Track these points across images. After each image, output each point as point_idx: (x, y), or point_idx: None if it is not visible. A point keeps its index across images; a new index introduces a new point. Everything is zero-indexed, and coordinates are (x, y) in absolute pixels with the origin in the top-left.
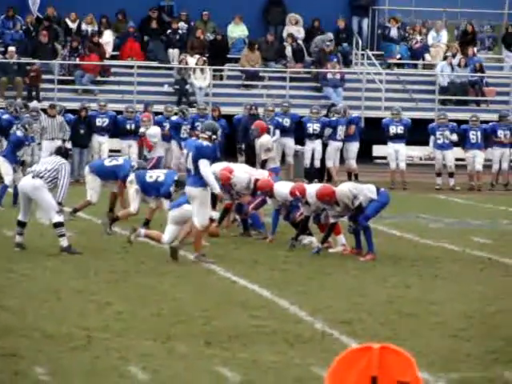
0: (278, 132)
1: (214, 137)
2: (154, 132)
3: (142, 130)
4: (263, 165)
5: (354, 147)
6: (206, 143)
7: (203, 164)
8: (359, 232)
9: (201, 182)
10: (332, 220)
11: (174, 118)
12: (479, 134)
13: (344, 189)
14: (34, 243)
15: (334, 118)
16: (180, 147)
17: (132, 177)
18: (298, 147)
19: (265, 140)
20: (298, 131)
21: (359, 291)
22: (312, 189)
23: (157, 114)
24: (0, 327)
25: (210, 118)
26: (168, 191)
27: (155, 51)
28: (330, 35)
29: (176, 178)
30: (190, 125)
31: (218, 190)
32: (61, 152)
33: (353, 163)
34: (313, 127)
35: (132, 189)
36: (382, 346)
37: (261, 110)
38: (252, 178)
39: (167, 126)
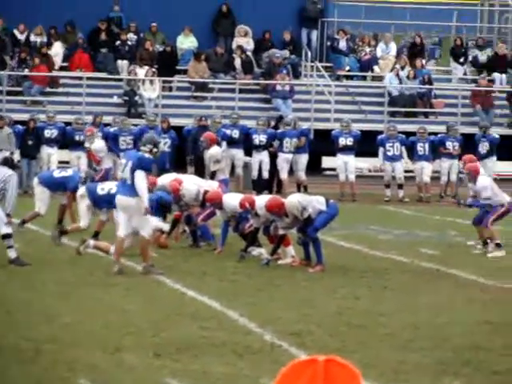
0: (224, 143)
1: (155, 150)
2: (99, 146)
3: (86, 144)
4: (212, 176)
5: (303, 159)
6: (146, 155)
7: (139, 175)
8: (308, 243)
9: (137, 192)
10: (281, 231)
11: (112, 129)
12: (427, 145)
13: (293, 200)
14: None
15: (279, 130)
16: (118, 157)
17: (82, 190)
18: (247, 159)
19: (214, 151)
20: (248, 143)
21: (308, 303)
22: (261, 200)
23: (106, 125)
24: None
25: (159, 129)
26: None
27: (104, 62)
28: (287, 52)
29: None
30: (138, 136)
31: (146, 203)
32: (7, 163)
33: (302, 175)
34: (259, 138)
35: (83, 204)
36: (327, 358)
37: (209, 122)
38: (201, 190)
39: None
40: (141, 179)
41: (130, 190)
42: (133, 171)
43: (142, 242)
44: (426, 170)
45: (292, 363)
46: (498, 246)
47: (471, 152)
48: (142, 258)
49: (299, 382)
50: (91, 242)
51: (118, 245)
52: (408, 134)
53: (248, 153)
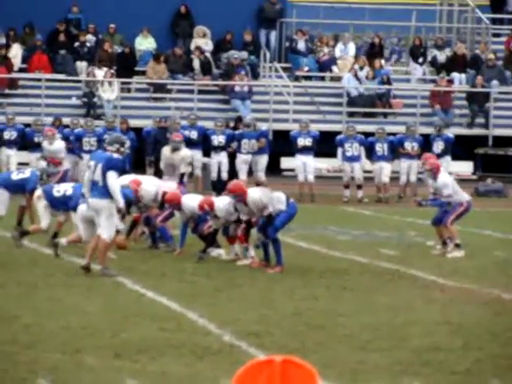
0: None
1: (122, 149)
2: (58, 147)
3: (45, 144)
4: (182, 178)
5: (263, 160)
6: (115, 155)
7: (111, 176)
8: (268, 244)
9: (108, 193)
10: (245, 218)
11: (76, 130)
12: (385, 146)
13: (255, 196)
14: None
15: (238, 131)
16: (80, 158)
17: (39, 192)
18: (206, 160)
19: (187, 153)
20: (206, 144)
21: (267, 303)
22: (221, 202)
23: (66, 126)
24: None
25: (118, 130)
26: (77, 205)
27: (63, 64)
28: (245, 53)
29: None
30: (99, 137)
31: (122, 203)
32: None
33: (262, 175)
34: (218, 139)
35: (41, 205)
36: (284, 358)
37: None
38: (160, 191)
39: (72, 139)
40: (113, 180)
41: (101, 191)
42: (104, 173)
43: (102, 244)
44: (384, 170)
45: (249, 364)
46: (458, 246)
47: (428, 152)
48: (99, 260)
49: (256, 383)
50: (63, 240)
51: (89, 245)
52: (367, 134)
53: (206, 154)
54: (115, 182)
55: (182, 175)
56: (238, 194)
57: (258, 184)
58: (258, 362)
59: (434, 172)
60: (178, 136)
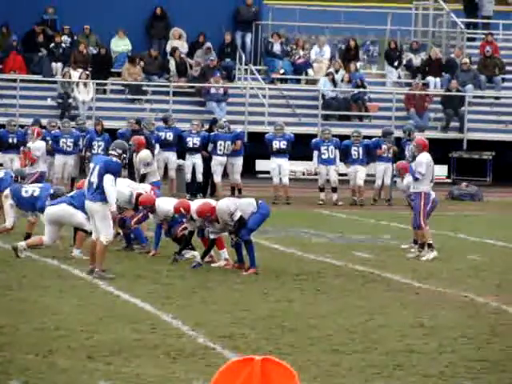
0: (157, 146)
1: (124, 155)
2: (38, 145)
3: (29, 144)
4: (142, 179)
5: (238, 162)
6: (115, 159)
7: (108, 179)
8: (241, 246)
9: (101, 196)
10: (212, 236)
11: (53, 131)
12: (361, 149)
13: (222, 205)
14: None
15: (213, 133)
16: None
17: (7, 191)
18: (180, 161)
19: (144, 154)
20: (181, 145)
21: (242, 305)
22: (196, 205)
23: (43, 128)
24: None
25: (92, 132)
26: (43, 206)
27: (39, 65)
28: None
29: (51, 191)
30: (76, 139)
31: (114, 208)
32: None
33: (238, 178)
34: (193, 141)
35: (7, 204)
36: (263, 357)
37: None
38: (134, 193)
39: (50, 140)
40: (109, 183)
41: (95, 194)
42: (101, 175)
43: (99, 247)
44: (359, 173)
45: (229, 362)
46: (430, 246)
47: (403, 155)
48: (93, 261)
49: (236, 381)
50: (22, 243)
51: (90, 248)
52: (342, 137)
53: (181, 155)
54: (111, 185)
55: (143, 176)
56: (207, 216)
57: (233, 186)
58: (238, 360)
59: (420, 149)
60: (132, 139)
